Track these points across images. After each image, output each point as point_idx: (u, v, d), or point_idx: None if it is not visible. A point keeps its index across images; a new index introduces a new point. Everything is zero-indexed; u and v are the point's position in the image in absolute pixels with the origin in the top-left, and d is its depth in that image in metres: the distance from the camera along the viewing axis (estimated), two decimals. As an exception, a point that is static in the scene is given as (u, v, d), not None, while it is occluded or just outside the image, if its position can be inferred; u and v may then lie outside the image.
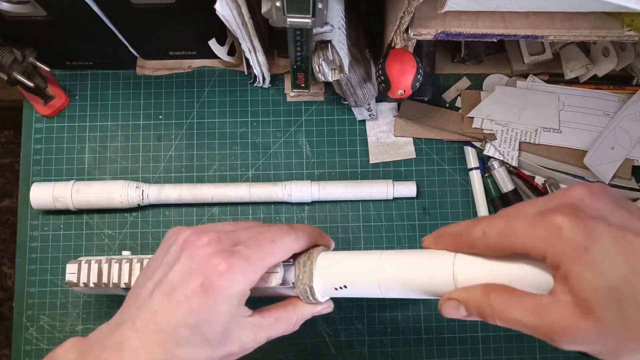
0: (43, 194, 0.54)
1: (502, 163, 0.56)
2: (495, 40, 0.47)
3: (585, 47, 0.57)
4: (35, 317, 0.55)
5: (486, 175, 0.57)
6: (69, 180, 0.56)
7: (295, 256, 0.39)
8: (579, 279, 0.24)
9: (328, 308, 0.41)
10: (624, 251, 0.24)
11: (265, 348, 0.55)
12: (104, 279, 0.45)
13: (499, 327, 0.55)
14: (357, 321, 0.55)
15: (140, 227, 0.57)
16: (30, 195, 0.54)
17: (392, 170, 0.58)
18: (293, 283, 0.38)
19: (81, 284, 0.46)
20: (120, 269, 0.45)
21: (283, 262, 0.38)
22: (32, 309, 0.55)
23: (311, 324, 0.55)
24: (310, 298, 0.38)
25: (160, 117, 0.59)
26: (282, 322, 0.38)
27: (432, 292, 0.32)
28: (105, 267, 0.46)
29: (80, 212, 0.57)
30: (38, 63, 0.53)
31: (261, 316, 0.37)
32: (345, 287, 0.37)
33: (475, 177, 0.57)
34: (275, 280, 0.38)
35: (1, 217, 1.27)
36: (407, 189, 0.56)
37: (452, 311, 0.30)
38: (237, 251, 0.34)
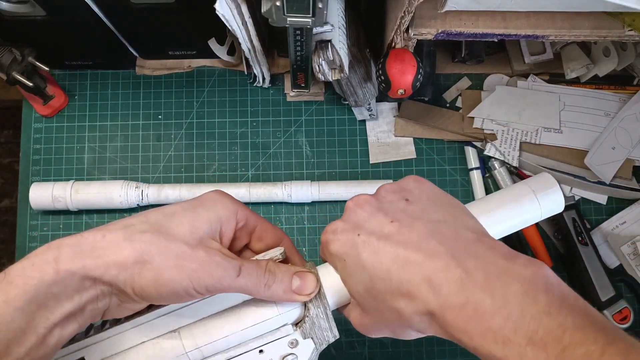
0: (42, 194, 0.54)
1: (503, 163, 0.56)
2: (495, 40, 0.46)
3: (586, 47, 0.57)
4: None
5: (487, 175, 0.57)
6: (68, 180, 0.56)
7: None
8: (349, 289, 0.34)
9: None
10: (369, 257, 0.31)
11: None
12: None
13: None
14: (357, 321, 0.55)
15: (140, 227, 0.56)
16: (30, 195, 0.54)
17: (393, 170, 0.58)
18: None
19: None
20: None
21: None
22: (31, 310, 0.55)
23: (311, 324, 0.55)
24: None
25: (160, 117, 0.59)
26: (249, 277, 0.33)
27: None
28: None
29: (79, 212, 0.56)
30: (37, 63, 0.53)
31: (226, 257, 0.32)
32: None
33: (476, 177, 0.57)
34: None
35: (1, 217, 1.27)
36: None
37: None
38: None
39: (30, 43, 0.52)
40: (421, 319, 0.29)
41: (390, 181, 0.56)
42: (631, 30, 0.44)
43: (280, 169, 0.58)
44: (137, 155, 0.58)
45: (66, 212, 0.56)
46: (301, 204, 0.57)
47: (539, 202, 0.36)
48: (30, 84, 0.53)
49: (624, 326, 0.53)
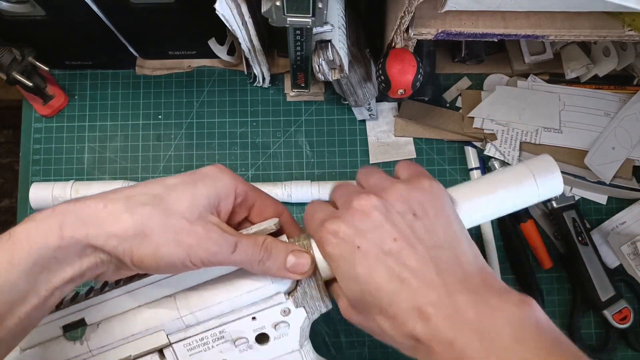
0: (42, 194, 0.54)
1: (503, 163, 0.56)
2: (495, 40, 0.46)
3: (586, 47, 0.57)
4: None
5: (486, 175, 0.57)
6: (68, 180, 0.55)
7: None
8: (342, 289, 0.33)
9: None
10: (363, 270, 0.31)
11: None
12: None
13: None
14: (357, 321, 0.55)
15: (140, 227, 0.56)
16: (30, 195, 0.54)
17: (393, 171, 0.58)
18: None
19: None
20: None
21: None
22: (31, 310, 0.55)
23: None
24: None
25: (160, 117, 0.59)
26: (244, 249, 0.33)
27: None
28: None
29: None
30: (37, 63, 0.53)
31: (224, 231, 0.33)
32: None
33: (476, 177, 0.57)
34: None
35: (1, 217, 1.27)
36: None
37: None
38: None
39: (30, 43, 0.52)
40: (405, 341, 0.30)
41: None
42: (631, 30, 0.44)
43: (280, 169, 0.58)
44: (137, 155, 0.58)
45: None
46: (301, 204, 0.57)
47: (537, 186, 0.36)
48: (30, 84, 0.53)
49: (624, 326, 0.53)
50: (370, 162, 0.58)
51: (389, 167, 0.58)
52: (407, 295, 0.29)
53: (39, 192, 0.54)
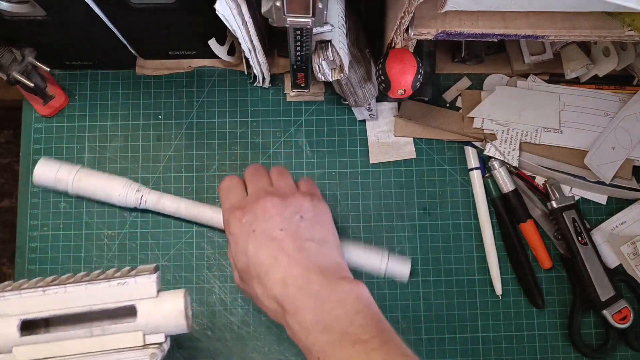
0: (47, 172, 0.53)
1: (503, 163, 0.56)
2: (495, 40, 0.46)
3: (585, 47, 0.57)
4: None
5: (486, 175, 0.57)
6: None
7: None
8: (232, 258, 0.44)
9: None
10: (252, 248, 0.41)
11: (264, 348, 0.55)
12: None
13: (499, 328, 0.55)
14: (357, 321, 0.55)
15: (140, 228, 0.56)
16: (35, 171, 0.53)
17: (392, 171, 0.58)
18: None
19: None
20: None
21: None
22: (31, 309, 0.55)
23: (311, 324, 0.55)
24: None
25: (160, 117, 0.59)
26: None
27: None
28: None
29: (79, 212, 0.56)
30: (37, 63, 0.53)
31: None
32: None
33: (476, 177, 0.57)
34: None
35: (1, 217, 1.27)
36: (400, 268, 0.52)
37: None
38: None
39: (30, 43, 0.52)
40: (270, 304, 0.40)
41: (387, 254, 0.53)
42: (631, 30, 0.44)
43: (280, 169, 0.58)
44: (137, 155, 0.58)
45: (66, 213, 0.56)
46: (301, 204, 0.57)
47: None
48: (31, 84, 0.53)
49: (624, 326, 0.53)
50: (370, 162, 0.58)
51: (388, 167, 0.58)
52: (278, 269, 0.40)
53: (44, 170, 0.53)
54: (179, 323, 0.40)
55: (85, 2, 0.44)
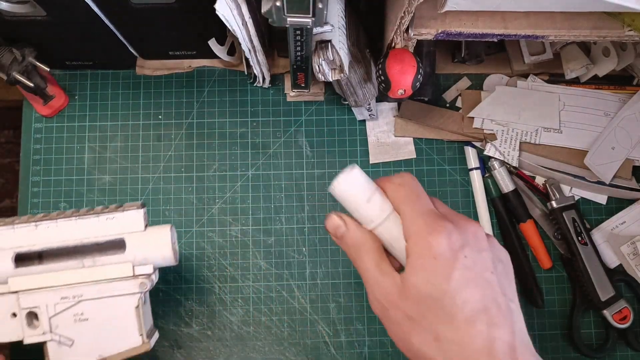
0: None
1: (503, 163, 0.56)
2: (495, 40, 0.46)
3: (585, 47, 0.57)
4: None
5: (486, 175, 0.57)
6: (69, 179, 0.56)
7: None
8: (415, 275, 0.32)
9: None
10: (460, 276, 0.31)
11: (264, 348, 0.55)
12: None
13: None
14: (357, 321, 0.55)
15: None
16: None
17: (392, 171, 0.58)
18: None
19: None
20: None
21: None
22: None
23: (311, 323, 0.55)
24: None
25: (160, 117, 0.59)
26: None
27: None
28: None
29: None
30: (38, 63, 0.53)
31: None
32: None
33: (476, 177, 0.57)
34: None
35: (1, 217, 1.27)
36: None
37: (332, 227, 0.37)
38: None
39: (30, 43, 0.52)
40: (447, 348, 0.31)
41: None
42: (631, 30, 0.44)
43: (280, 169, 0.58)
44: (137, 155, 0.58)
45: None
46: (301, 204, 0.57)
47: None
48: (31, 84, 0.53)
49: (624, 326, 0.53)
50: (370, 162, 0.58)
51: (388, 167, 0.58)
52: (484, 321, 0.30)
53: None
54: (166, 255, 0.42)
55: (85, 2, 0.44)
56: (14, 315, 0.42)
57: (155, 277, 0.43)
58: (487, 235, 0.35)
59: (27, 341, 0.41)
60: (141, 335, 0.42)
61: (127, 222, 0.42)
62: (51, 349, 0.41)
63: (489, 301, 0.31)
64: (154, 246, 0.42)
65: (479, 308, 0.30)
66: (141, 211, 0.42)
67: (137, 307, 0.42)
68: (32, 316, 0.42)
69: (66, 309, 0.41)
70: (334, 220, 0.36)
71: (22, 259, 0.42)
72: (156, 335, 0.44)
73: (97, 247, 0.42)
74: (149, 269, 0.42)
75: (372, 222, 0.35)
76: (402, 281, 0.33)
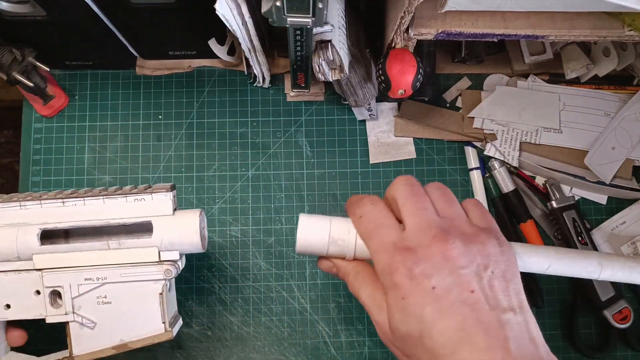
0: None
1: (503, 163, 0.56)
2: (495, 40, 0.46)
3: (586, 47, 0.57)
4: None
5: (487, 175, 0.57)
6: (69, 179, 0.55)
7: None
8: (392, 316, 0.32)
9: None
10: (432, 313, 0.30)
11: (264, 348, 0.55)
12: None
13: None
14: (357, 321, 0.55)
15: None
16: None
17: (392, 171, 0.58)
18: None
19: None
20: None
21: None
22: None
23: (311, 323, 0.55)
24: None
25: (160, 117, 0.59)
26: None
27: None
28: None
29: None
30: (37, 63, 0.53)
31: None
32: None
33: (476, 177, 0.57)
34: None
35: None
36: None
37: (326, 270, 0.39)
38: None
39: (30, 43, 0.52)
40: None
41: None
42: (631, 30, 0.44)
43: (280, 169, 0.58)
44: (137, 155, 0.58)
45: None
46: (301, 201, 0.57)
47: None
48: (31, 84, 0.53)
49: (624, 326, 0.53)
50: (370, 162, 0.58)
51: (388, 167, 0.58)
52: (467, 351, 0.28)
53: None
54: (193, 241, 0.40)
55: (85, 2, 0.44)
56: (38, 292, 0.41)
57: (181, 264, 0.42)
58: (477, 232, 0.32)
59: (49, 320, 0.41)
60: (164, 323, 0.41)
61: (155, 204, 0.40)
62: (73, 330, 0.41)
63: (471, 325, 0.29)
64: (181, 231, 0.40)
65: (459, 338, 0.29)
66: (170, 194, 0.41)
67: (162, 293, 0.41)
68: (55, 295, 0.41)
69: (89, 290, 0.40)
70: (324, 264, 0.38)
71: (48, 237, 0.41)
72: (179, 323, 0.43)
73: (123, 228, 0.42)
74: (175, 255, 0.41)
75: (347, 255, 0.36)
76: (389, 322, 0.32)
